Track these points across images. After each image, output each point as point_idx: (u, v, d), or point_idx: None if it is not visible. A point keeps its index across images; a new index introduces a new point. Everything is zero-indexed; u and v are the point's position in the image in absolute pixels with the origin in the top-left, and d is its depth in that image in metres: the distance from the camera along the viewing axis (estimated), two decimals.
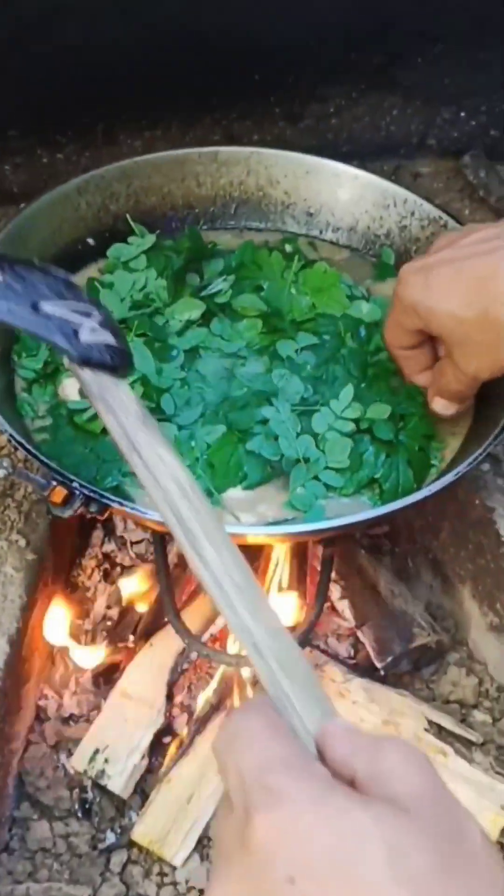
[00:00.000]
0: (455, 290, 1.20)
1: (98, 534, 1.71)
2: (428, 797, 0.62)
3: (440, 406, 1.35)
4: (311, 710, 0.70)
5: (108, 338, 0.93)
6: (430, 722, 1.53)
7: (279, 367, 1.43)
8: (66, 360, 0.93)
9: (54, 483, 1.21)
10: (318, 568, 1.47)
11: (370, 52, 1.68)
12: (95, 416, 1.35)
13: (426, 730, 1.52)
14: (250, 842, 0.61)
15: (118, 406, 0.89)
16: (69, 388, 1.42)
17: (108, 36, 1.54)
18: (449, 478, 1.28)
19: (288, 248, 1.63)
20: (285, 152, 1.69)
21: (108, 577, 1.67)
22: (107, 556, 1.69)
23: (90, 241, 1.62)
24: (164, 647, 1.55)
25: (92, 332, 0.93)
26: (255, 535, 1.31)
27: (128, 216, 1.62)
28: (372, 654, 1.59)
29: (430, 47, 1.69)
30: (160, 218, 1.67)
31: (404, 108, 1.84)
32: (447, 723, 1.53)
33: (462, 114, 1.87)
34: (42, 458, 1.24)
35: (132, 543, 1.70)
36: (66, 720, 1.56)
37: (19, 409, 1.40)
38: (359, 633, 1.61)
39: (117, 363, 0.93)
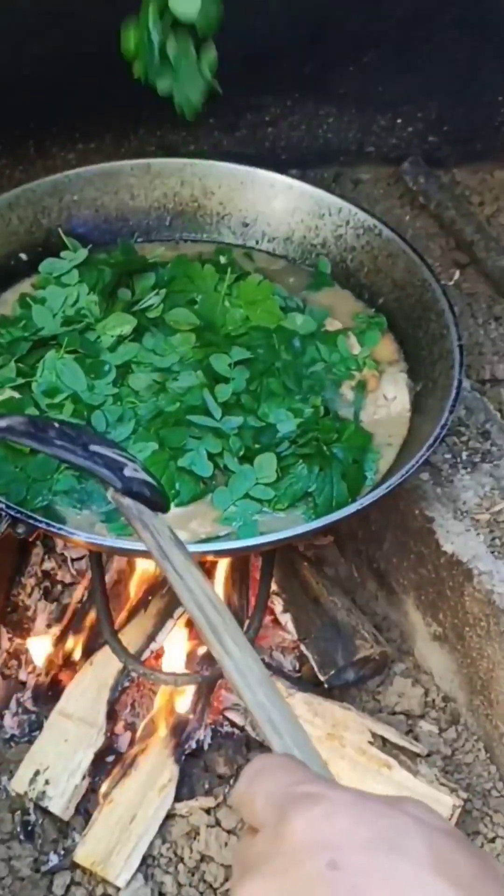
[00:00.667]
0: None
1: (38, 551, 1.69)
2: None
3: None
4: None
5: (146, 477, 1.06)
6: (375, 734, 1.52)
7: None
8: (109, 493, 1.04)
9: None
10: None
11: (301, 61, 1.68)
12: None
13: (370, 742, 1.51)
14: (287, 837, 0.60)
15: (154, 528, 0.99)
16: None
17: (36, 51, 1.53)
18: (379, 492, 1.28)
19: (222, 259, 1.63)
20: (219, 163, 1.68)
21: (48, 595, 1.65)
22: (47, 574, 1.68)
23: (23, 256, 1.61)
24: (105, 665, 1.53)
25: (134, 471, 1.06)
26: (198, 553, 1.30)
27: (60, 230, 1.61)
28: (315, 667, 1.58)
29: (361, 55, 1.69)
30: (93, 231, 1.65)
31: (340, 116, 1.84)
32: (391, 735, 1.52)
33: (399, 120, 1.87)
34: None
35: (73, 560, 1.68)
36: (7, 741, 1.54)
37: None
38: (302, 647, 1.60)
39: (155, 498, 1.03)
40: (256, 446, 1.39)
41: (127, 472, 1.06)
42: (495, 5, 1.60)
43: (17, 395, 1.41)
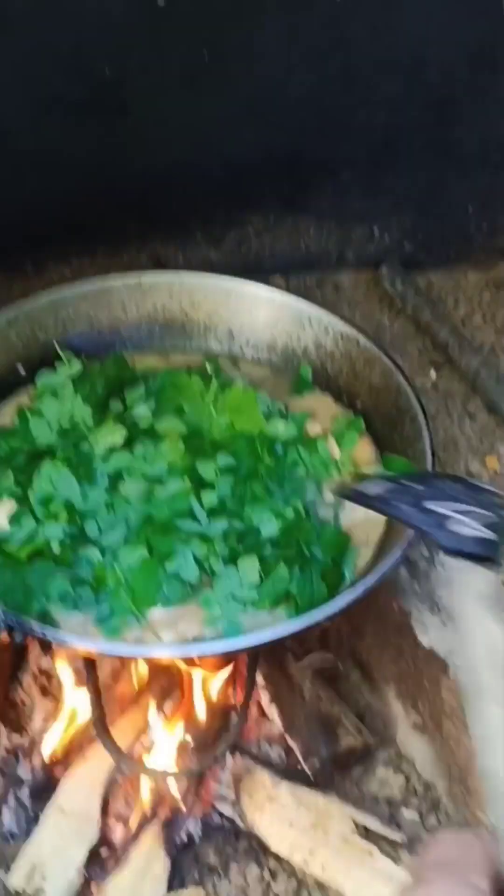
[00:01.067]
0: None
1: (35, 649, 1.76)
2: None
3: None
4: None
5: (479, 531, 1.10)
6: (357, 823, 1.57)
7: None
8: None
9: None
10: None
11: (280, 182, 1.78)
12: (24, 544, 1.43)
13: (353, 831, 1.57)
14: None
15: (467, 584, 1.15)
16: (1, 516, 1.49)
17: (32, 180, 1.63)
18: (351, 594, 1.36)
19: (208, 368, 1.71)
20: (206, 277, 1.78)
21: (45, 692, 1.72)
22: (43, 672, 1.74)
23: (21, 369, 1.70)
24: (98, 760, 1.59)
25: (464, 526, 1.11)
26: (172, 655, 1.37)
27: (56, 344, 1.70)
28: (300, 757, 1.64)
29: (335, 176, 1.80)
30: (88, 344, 1.75)
31: (320, 228, 1.95)
32: (373, 824, 1.58)
33: (375, 231, 1.98)
34: None
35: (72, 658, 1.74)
36: (6, 837, 1.59)
37: None
38: (287, 737, 1.66)
39: (481, 552, 1.10)
40: (241, 548, 1.46)
41: (453, 527, 1.12)
42: (456, 131, 1.71)
43: (16, 504, 1.49)
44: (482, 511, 1.15)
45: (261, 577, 1.44)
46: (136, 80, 1.46)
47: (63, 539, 1.43)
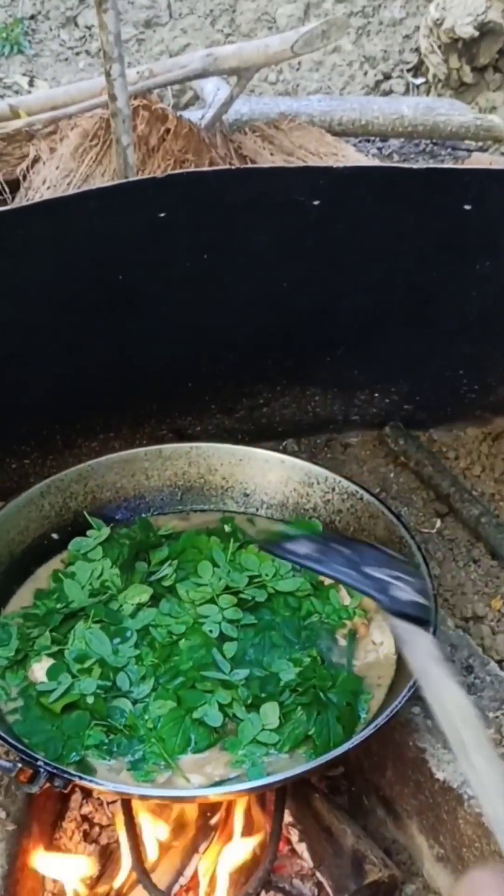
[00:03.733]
0: None
1: (76, 797, 1.86)
2: None
3: None
4: None
5: (415, 597, 1.26)
6: None
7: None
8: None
9: (19, 765, 1.40)
10: None
11: (282, 357, 1.97)
12: (61, 697, 1.58)
13: None
14: None
15: (415, 643, 1.22)
16: (38, 672, 1.64)
17: (59, 368, 1.83)
18: (362, 735, 1.48)
19: (226, 528, 1.88)
20: (220, 445, 1.96)
21: (87, 837, 1.82)
22: (85, 818, 1.85)
23: (54, 535, 1.87)
24: None
25: (402, 591, 1.27)
26: (203, 797, 1.50)
27: (85, 513, 1.88)
28: (330, 892, 1.71)
29: (333, 350, 1.98)
30: (115, 509, 1.92)
31: (324, 395, 2.12)
32: None
33: (376, 395, 2.15)
34: (9, 740, 1.44)
35: (108, 803, 1.85)
36: None
37: None
38: (317, 874, 1.75)
39: (421, 616, 1.24)
40: (262, 695, 1.60)
41: (393, 592, 1.25)
42: (437, 308, 1.89)
43: (53, 660, 1.64)
44: (411, 578, 1.27)
45: (281, 721, 1.57)
46: (145, 283, 1.66)
47: (97, 692, 1.58)
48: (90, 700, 1.57)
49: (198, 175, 1.53)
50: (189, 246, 1.61)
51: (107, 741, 1.55)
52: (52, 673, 1.61)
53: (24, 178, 2.79)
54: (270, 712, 1.57)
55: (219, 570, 1.77)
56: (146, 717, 1.57)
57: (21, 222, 1.51)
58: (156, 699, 1.58)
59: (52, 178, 2.51)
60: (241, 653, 1.66)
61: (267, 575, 1.77)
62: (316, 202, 1.54)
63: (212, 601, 1.72)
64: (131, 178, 2.17)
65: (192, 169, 2.27)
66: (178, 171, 1.96)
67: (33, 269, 1.56)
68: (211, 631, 1.67)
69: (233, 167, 2.07)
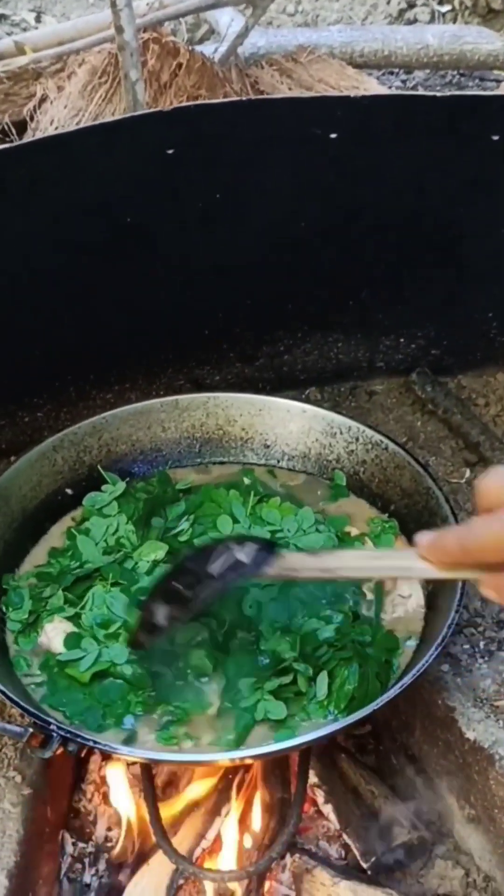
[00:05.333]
0: None
1: (96, 758, 1.82)
2: None
3: None
4: None
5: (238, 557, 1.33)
6: None
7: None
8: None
9: (31, 730, 1.35)
10: None
11: (305, 303, 1.89)
12: (92, 666, 1.52)
13: None
14: None
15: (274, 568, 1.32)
16: (50, 633, 1.58)
17: (69, 313, 1.76)
18: (390, 694, 1.42)
19: (246, 480, 1.81)
20: (239, 395, 1.89)
21: (107, 799, 1.78)
22: (105, 781, 1.80)
23: (68, 491, 1.81)
24: (161, 865, 1.64)
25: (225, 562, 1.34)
26: (235, 758, 1.45)
27: (99, 467, 1.81)
28: (357, 854, 1.67)
29: (356, 294, 1.89)
30: (131, 463, 1.86)
31: (348, 341, 2.04)
32: None
33: (402, 340, 2.06)
34: (21, 703, 1.39)
35: (129, 765, 1.81)
36: None
37: (14, 663, 1.56)
38: (344, 836, 1.70)
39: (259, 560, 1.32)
40: (297, 654, 1.53)
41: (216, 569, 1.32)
42: (465, 248, 1.80)
43: (68, 623, 1.58)
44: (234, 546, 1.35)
45: (330, 688, 1.50)
46: (156, 224, 1.58)
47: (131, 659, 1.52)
48: (126, 671, 1.52)
49: (207, 107, 1.44)
50: (201, 184, 1.53)
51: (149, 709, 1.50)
52: (70, 642, 1.55)
53: (32, 118, 2.71)
54: (321, 683, 1.51)
55: (238, 524, 1.71)
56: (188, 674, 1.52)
57: (23, 161, 1.43)
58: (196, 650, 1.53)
59: (60, 117, 2.43)
60: (269, 611, 1.60)
61: (289, 530, 1.71)
62: (333, 135, 1.45)
63: None
64: (137, 112, 2.08)
65: (201, 101, 2.17)
66: (186, 103, 1.87)
67: (37, 211, 1.48)
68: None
69: (244, 98, 1.97)
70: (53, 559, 1.69)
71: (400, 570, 1.32)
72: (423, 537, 1.18)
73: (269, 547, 1.35)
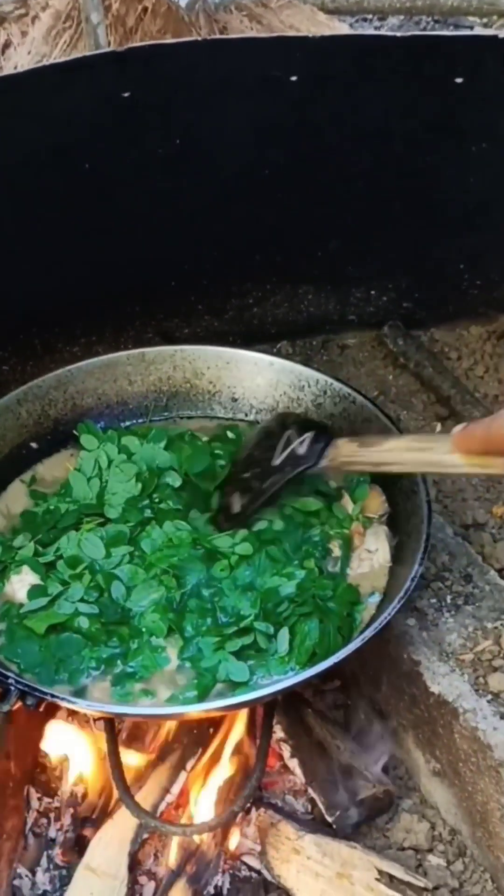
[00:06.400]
0: None
1: (63, 713, 1.81)
2: None
3: None
4: None
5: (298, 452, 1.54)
6: (381, 871, 1.59)
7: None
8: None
9: None
10: None
11: (271, 253, 1.85)
12: (45, 608, 1.52)
13: (377, 879, 1.59)
14: None
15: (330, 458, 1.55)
16: (17, 584, 1.57)
17: (30, 265, 1.72)
18: (347, 650, 1.41)
19: (230, 434, 1.79)
20: (207, 347, 1.86)
21: (71, 754, 1.77)
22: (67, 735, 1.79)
23: (33, 445, 1.79)
24: (125, 819, 1.64)
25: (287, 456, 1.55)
26: (198, 711, 1.45)
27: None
28: (322, 809, 1.67)
29: (324, 244, 1.86)
30: (96, 417, 1.83)
31: (318, 293, 2.01)
32: (397, 871, 1.60)
33: (373, 292, 2.04)
34: None
35: (94, 721, 1.80)
36: None
37: None
38: (309, 790, 1.70)
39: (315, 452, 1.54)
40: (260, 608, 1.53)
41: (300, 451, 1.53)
42: (435, 197, 1.77)
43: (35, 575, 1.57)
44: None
45: (291, 644, 1.50)
46: (115, 171, 1.54)
47: (91, 615, 1.51)
48: (83, 624, 1.50)
49: (162, 47, 1.41)
50: (159, 129, 1.49)
51: (105, 665, 1.49)
52: (34, 594, 1.54)
53: None
54: (282, 639, 1.50)
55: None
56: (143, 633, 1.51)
57: None
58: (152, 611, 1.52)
59: (23, 64, 2.38)
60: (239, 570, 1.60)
61: None
62: (293, 77, 1.41)
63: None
64: (89, 53, 2.03)
65: (155, 41, 2.12)
66: (140, 43, 1.82)
67: None
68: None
69: (200, 38, 1.93)
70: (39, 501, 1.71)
71: (436, 466, 1.46)
72: (457, 427, 1.37)
73: (324, 434, 1.56)
